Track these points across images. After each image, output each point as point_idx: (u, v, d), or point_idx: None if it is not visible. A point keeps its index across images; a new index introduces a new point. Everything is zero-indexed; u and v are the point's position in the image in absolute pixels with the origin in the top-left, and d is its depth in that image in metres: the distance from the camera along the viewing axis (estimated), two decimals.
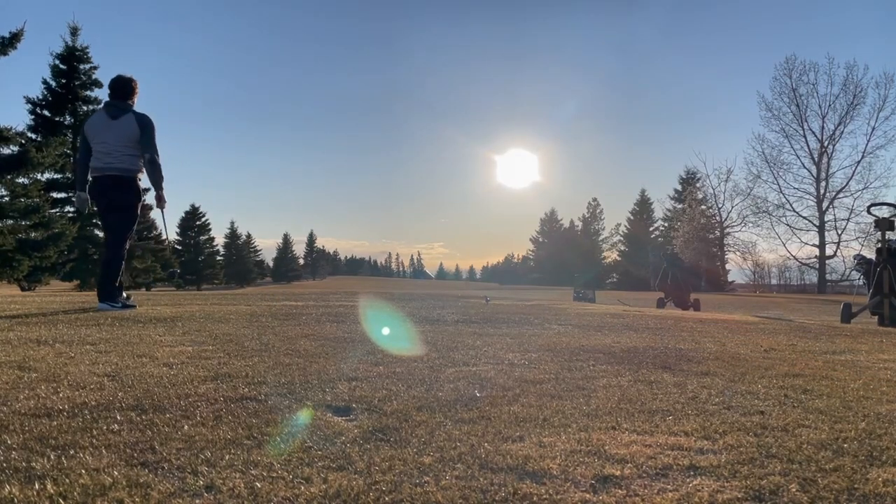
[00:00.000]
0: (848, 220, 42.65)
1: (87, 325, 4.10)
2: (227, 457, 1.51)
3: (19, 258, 20.35)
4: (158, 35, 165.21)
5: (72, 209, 28.87)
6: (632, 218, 68.93)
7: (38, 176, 22.91)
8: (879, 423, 1.99)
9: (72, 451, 1.52)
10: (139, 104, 5.65)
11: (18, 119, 47.01)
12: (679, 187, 57.55)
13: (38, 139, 24.94)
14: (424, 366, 2.84)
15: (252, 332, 3.92)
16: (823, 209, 43.77)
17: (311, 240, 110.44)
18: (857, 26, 75.67)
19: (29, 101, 28.23)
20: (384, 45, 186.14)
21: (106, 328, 3.96)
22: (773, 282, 49.82)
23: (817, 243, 44.18)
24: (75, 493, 1.26)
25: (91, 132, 5.47)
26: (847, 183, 43.27)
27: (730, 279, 51.19)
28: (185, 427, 1.75)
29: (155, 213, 37.50)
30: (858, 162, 42.77)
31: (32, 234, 21.79)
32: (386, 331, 4.37)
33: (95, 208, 5.68)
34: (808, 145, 44.68)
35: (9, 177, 20.56)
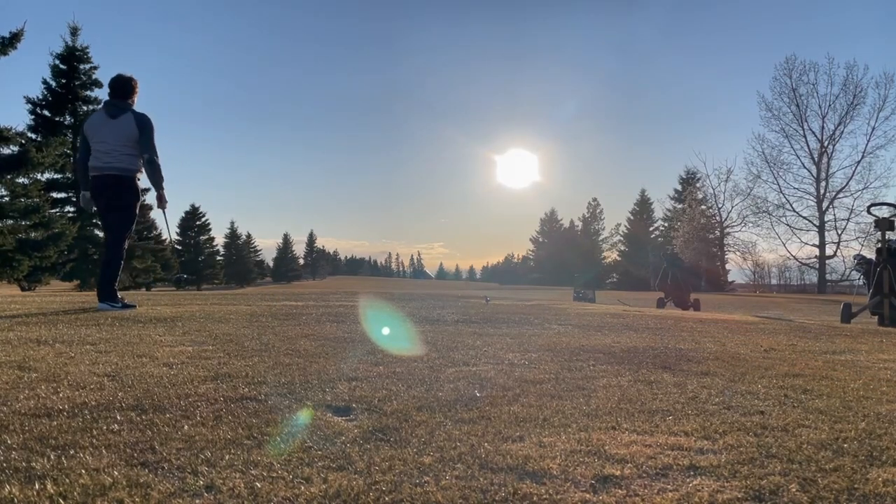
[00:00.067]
0: (848, 220, 42.70)
1: (87, 325, 4.10)
2: (227, 457, 1.51)
3: (19, 258, 20.37)
4: (158, 35, 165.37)
5: (72, 209, 28.89)
6: (632, 218, 68.93)
7: (38, 176, 22.96)
8: (879, 423, 1.99)
9: (72, 451, 1.52)
10: (139, 104, 5.65)
11: (18, 119, 47.13)
12: (679, 187, 57.55)
13: (38, 139, 24.95)
14: (424, 366, 2.84)
15: (252, 332, 3.92)
16: (823, 209, 43.76)
17: (311, 240, 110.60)
18: (857, 26, 75.77)
19: (29, 101, 28.28)
20: (384, 45, 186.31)
21: (106, 328, 3.96)
22: (773, 282, 49.85)
23: (817, 243, 44.19)
24: (75, 493, 1.26)
25: (90, 131, 5.46)
26: (847, 183, 43.33)
27: (730, 279, 51.19)
28: (185, 427, 1.75)
29: (155, 214, 37.59)
30: (858, 162, 42.82)
31: (32, 234, 21.81)
32: (386, 331, 4.37)
33: (95, 208, 5.68)
34: (808, 145, 44.72)
35: (9, 177, 20.58)
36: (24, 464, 1.42)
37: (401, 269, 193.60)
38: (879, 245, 8.53)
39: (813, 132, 44.27)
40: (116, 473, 1.38)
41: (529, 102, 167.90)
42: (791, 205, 45.10)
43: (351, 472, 1.44)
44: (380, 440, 1.69)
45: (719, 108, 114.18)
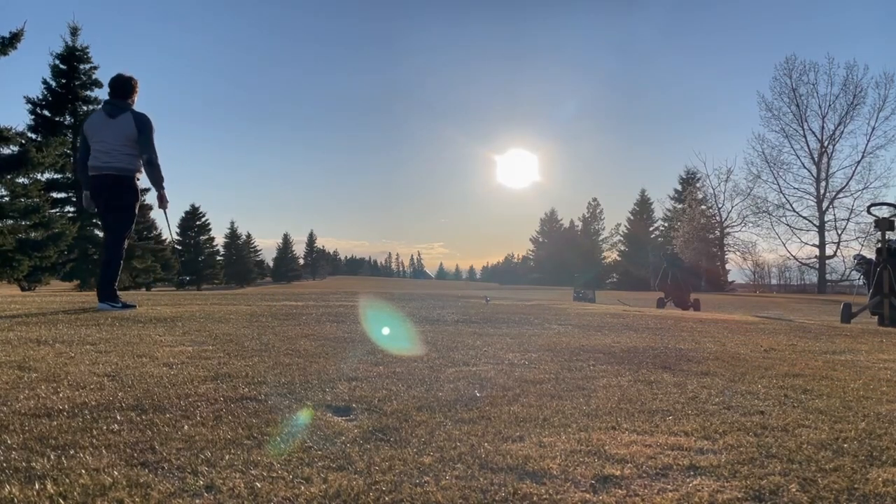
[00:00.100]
0: (848, 220, 42.67)
1: (87, 325, 4.10)
2: (227, 457, 1.51)
3: (19, 258, 20.37)
4: (158, 35, 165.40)
5: (72, 209, 28.89)
6: (632, 218, 68.93)
7: (38, 176, 22.96)
8: (879, 423, 1.99)
9: (72, 451, 1.52)
10: (139, 104, 5.65)
11: (18, 119, 47.15)
12: (679, 187, 57.54)
13: (38, 139, 24.94)
14: (424, 366, 2.84)
15: (252, 332, 3.92)
16: (823, 209, 43.75)
17: (311, 240, 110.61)
18: (857, 26, 75.75)
19: (29, 101, 28.26)
20: (384, 45, 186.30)
21: (106, 328, 3.96)
22: (773, 282, 49.84)
23: (817, 243, 44.18)
24: (75, 493, 1.27)
25: (90, 131, 5.46)
26: (847, 183, 43.31)
27: (730, 279, 51.19)
28: (185, 427, 1.75)
29: (155, 214, 37.60)
30: (858, 162, 42.80)
31: (32, 234, 21.81)
32: (386, 331, 4.37)
33: (95, 208, 5.68)
34: (808, 145, 44.71)
35: (9, 177, 20.59)
36: (24, 464, 1.42)
37: (401, 269, 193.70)
38: (879, 245, 8.53)
39: (813, 132, 44.31)
40: (116, 473, 1.38)
41: (529, 102, 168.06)
42: (791, 205, 45.16)
43: (351, 472, 1.44)
44: (380, 440, 1.69)
45: (719, 108, 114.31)
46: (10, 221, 20.91)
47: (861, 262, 9.37)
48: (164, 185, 5.61)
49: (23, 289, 22.38)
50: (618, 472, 1.47)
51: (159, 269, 32.98)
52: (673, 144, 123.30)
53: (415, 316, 5.60)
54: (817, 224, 43.99)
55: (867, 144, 42.50)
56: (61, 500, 1.23)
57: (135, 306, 5.62)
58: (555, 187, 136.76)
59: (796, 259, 45.88)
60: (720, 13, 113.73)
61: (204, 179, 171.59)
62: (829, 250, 43.59)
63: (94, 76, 29.36)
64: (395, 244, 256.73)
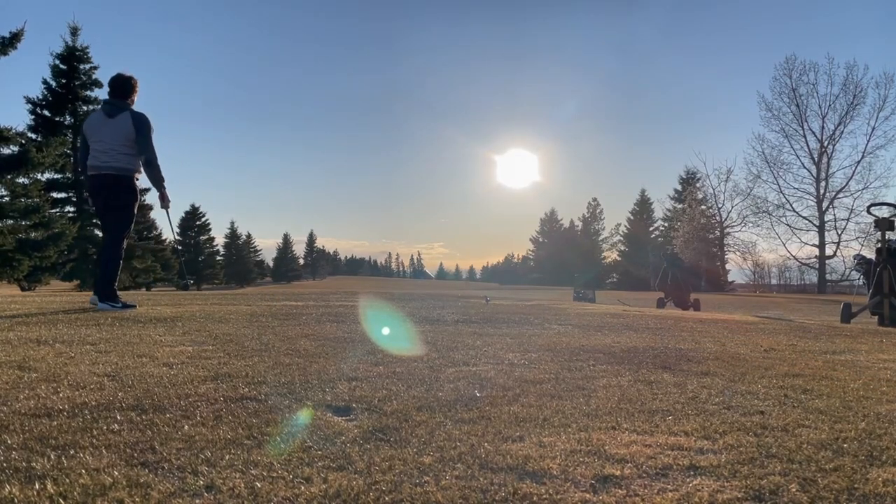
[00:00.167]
0: (848, 220, 42.67)
1: (87, 325, 4.10)
2: (227, 457, 1.51)
3: (19, 258, 20.37)
4: (158, 35, 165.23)
5: (72, 209, 28.90)
6: (632, 218, 68.92)
7: (39, 176, 22.96)
8: (879, 423, 1.99)
9: (72, 451, 1.52)
10: (139, 104, 5.64)
11: (18, 119, 47.12)
12: (679, 187, 57.52)
13: (39, 139, 24.93)
14: (424, 366, 2.84)
15: (252, 332, 3.92)
16: (823, 209, 43.75)
17: (311, 240, 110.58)
18: (857, 26, 75.67)
19: (29, 101, 28.26)
20: (384, 45, 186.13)
21: (106, 328, 3.96)
22: (773, 282, 49.82)
23: (817, 243, 44.17)
24: (75, 493, 1.27)
25: (89, 131, 5.46)
26: (847, 183, 43.30)
27: (730, 279, 51.18)
28: (185, 427, 1.75)
29: (155, 214, 37.58)
30: (858, 162, 42.79)
31: (32, 234, 21.81)
32: (386, 331, 4.37)
33: (94, 208, 5.68)
34: (808, 145, 44.70)
35: (9, 177, 20.59)
36: (24, 464, 1.42)
37: (401, 269, 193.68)
38: (879, 245, 8.53)
39: (813, 132, 44.30)
40: (116, 473, 1.38)
41: (529, 102, 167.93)
42: (791, 205, 45.14)
43: (351, 472, 1.44)
44: (380, 440, 1.69)
45: (719, 108, 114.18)
46: (10, 221, 20.91)
47: (861, 262, 9.37)
48: (165, 184, 5.62)
49: (23, 289, 22.38)
50: (618, 472, 1.47)
51: (159, 269, 32.97)
52: (673, 144, 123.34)
53: (415, 316, 5.60)
54: (817, 224, 44.00)
55: (867, 144, 42.54)
56: (61, 500, 1.23)
57: (135, 306, 5.62)
58: (555, 187, 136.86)
59: (796, 259, 45.93)
60: (720, 13, 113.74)
61: (204, 179, 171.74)
62: (829, 250, 43.62)
63: (94, 76, 29.38)
64: (395, 244, 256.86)
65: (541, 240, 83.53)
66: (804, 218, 44.74)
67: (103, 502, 1.24)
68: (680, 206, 52.26)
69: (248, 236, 73.53)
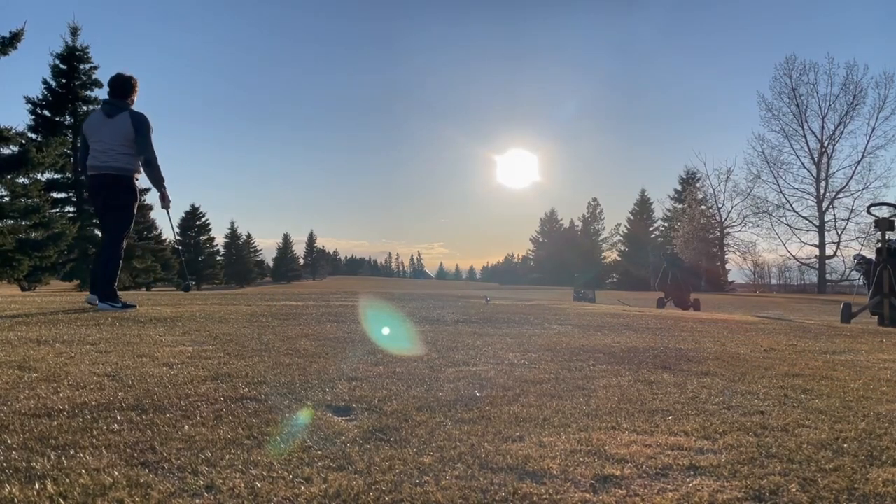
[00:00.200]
0: (848, 220, 42.66)
1: (87, 325, 4.10)
2: (227, 457, 1.51)
3: (19, 258, 20.37)
4: (158, 35, 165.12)
5: (72, 209, 28.90)
6: (632, 218, 68.92)
7: (39, 176, 22.96)
8: (879, 423, 1.99)
9: (72, 451, 1.52)
10: (139, 104, 5.64)
11: (18, 119, 47.14)
12: (679, 187, 57.52)
13: (39, 139, 24.92)
14: (424, 366, 2.84)
15: (252, 332, 3.92)
16: (823, 209, 43.74)
17: (311, 240, 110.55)
18: (857, 26, 75.67)
19: (29, 101, 28.23)
20: (384, 45, 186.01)
21: (106, 328, 3.96)
22: (773, 282, 49.82)
23: (817, 243, 44.16)
24: (75, 493, 1.27)
25: (89, 131, 5.46)
26: (847, 183, 43.29)
27: (730, 279, 51.18)
28: (186, 427, 1.75)
29: (155, 214, 37.58)
30: (858, 162, 42.78)
31: (32, 234, 21.81)
32: (386, 331, 4.37)
33: (93, 208, 5.68)
34: (808, 145, 44.69)
35: (9, 177, 20.58)
36: (24, 464, 1.42)
37: (401, 269, 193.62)
38: (879, 245, 8.53)
39: (813, 132, 44.30)
40: (116, 473, 1.38)
41: (529, 102, 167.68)
42: (791, 205, 45.14)
43: (351, 472, 1.44)
44: (380, 440, 1.69)
45: (719, 108, 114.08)
46: (10, 221, 20.91)
47: (861, 262, 9.37)
48: (165, 184, 5.62)
49: (23, 289, 22.39)
50: (618, 472, 1.47)
51: (159, 269, 32.96)
52: (673, 144, 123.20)
53: (415, 316, 5.60)
54: (817, 224, 43.99)
55: (867, 144, 42.54)
56: (61, 500, 1.23)
57: (135, 306, 5.62)
58: (555, 187, 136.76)
59: (796, 259, 45.92)
60: (720, 13, 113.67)
61: (204, 179, 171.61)
62: (829, 250, 43.61)
63: (94, 76, 29.35)
64: (395, 244, 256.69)
65: (541, 240, 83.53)
66: (804, 218, 44.79)
67: (103, 502, 1.24)
68: (680, 206, 52.25)
69: (248, 236, 73.60)
